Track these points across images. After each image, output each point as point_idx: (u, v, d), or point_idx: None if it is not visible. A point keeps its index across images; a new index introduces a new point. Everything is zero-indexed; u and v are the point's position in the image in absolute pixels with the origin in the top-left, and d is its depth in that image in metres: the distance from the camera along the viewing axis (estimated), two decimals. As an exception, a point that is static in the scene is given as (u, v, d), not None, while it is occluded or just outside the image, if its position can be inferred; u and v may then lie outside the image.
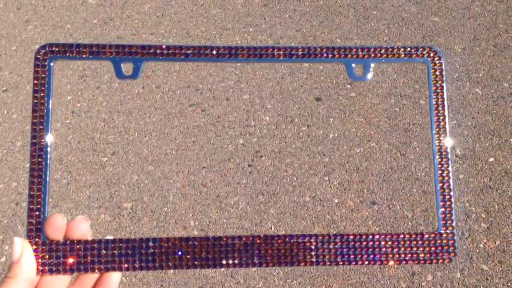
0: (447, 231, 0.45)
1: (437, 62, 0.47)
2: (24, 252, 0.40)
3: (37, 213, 0.42)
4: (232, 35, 2.25)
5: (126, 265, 0.42)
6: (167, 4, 2.44)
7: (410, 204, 1.60)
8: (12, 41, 2.29)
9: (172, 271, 1.46)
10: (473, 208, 1.59)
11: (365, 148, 1.77)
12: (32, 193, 0.42)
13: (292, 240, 0.44)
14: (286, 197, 1.64)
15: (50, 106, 0.42)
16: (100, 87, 2.03)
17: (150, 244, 0.42)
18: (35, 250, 0.41)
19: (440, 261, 0.44)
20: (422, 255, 0.44)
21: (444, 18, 2.29)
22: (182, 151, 1.78)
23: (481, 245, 1.50)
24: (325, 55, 0.45)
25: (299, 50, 0.45)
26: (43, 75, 0.43)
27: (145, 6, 2.43)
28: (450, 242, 0.45)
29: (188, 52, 0.45)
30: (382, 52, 0.46)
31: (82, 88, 2.03)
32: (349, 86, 1.98)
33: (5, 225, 1.60)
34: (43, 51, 0.43)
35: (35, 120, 0.42)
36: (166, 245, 0.43)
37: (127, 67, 0.44)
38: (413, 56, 0.47)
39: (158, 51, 0.45)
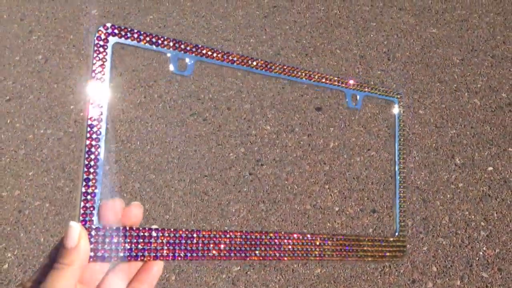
0: (402, 234, 0.56)
1: (401, 102, 0.61)
2: (81, 237, 0.38)
3: (92, 197, 0.40)
4: (233, 46, 2.28)
5: (173, 255, 0.42)
6: (168, 15, 2.47)
7: (410, 212, 1.61)
8: (16, 51, 2.31)
9: (173, 278, 1.47)
10: (473, 216, 1.60)
11: (365, 157, 1.79)
12: (87, 176, 0.40)
13: (305, 238, 0.49)
14: (287, 205, 1.65)
15: (109, 88, 0.41)
16: (103, 96, 2.05)
17: (195, 235, 0.43)
18: (88, 236, 0.39)
19: (395, 259, 0.55)
20: (388, 254, 0.54)
21: (443, 29, 2.32)
22: (184, 159, 1.80)
23: (481, 253, 1.51)
24: (338, 84, 0.56)
25: (316, 75, 0.53)
26: (104, 55, 0.41)
27: (147, 17, 2.46)
28: (402, 244, 0.56)
29: (235, 59, 0.47)
30: (369, 87, 0.58)
31: (85, 97, 2.05)
32: (349, 96, 2.00)
33: (7, 232, 1.61)
34: (105, 31, 0.41)
35: (93, 102, 0.40)
36: (208, 237, 0.44)
37: (180, 63, 0.45)
38: (389, 95, 0.60)
39: (209, 52, 0.46)
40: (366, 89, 0.58)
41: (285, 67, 0.51)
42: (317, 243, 0.49)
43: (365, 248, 0.52)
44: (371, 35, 2.31)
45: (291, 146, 1.84)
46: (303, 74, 0.52)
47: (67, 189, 1.72)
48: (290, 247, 0.47)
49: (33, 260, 1.54)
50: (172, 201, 1.67)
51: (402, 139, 0.60)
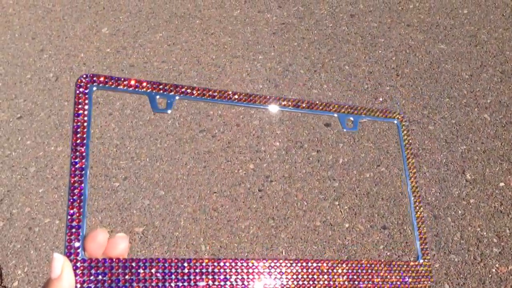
0: (425, 260, 0.53)
1: (404, 123, 0.58)
2: (64, 268, 0.39)
3: (77, 230, 0.42)
4: (241, 63, 2.30)
5: (162, 285, 0.42)
6: (178, 33, 2.49)
7: (421, 228, 1.60)
8: (27, 70, 2.34)
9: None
10: (485, 233, 1.58)
11: (375, 173, 1.78)
12: (71, 210, 0.42)
13: (308, 265, 0.47)
14: (297, 221, 1.65)
15: (90, 129, 0.45)
16: (113, 113, 2.06)
17: (185, 264, 0.43)
18: (74, 267, 0.41)
19: (422, 285, 0.52)
20: (410, 280, 0.51)
21: (451, 45, 2.32)
22: (193, 176, 1.80)
23: (494, 270, 1.49)
24: (322, 108, 0.53)
25: (304, 103, 0.52)
26: (84, 101, 0.45)
27: (157, 35, 2.49)
28: (428, 269, 0.53)
29: (215, 94, 0.49)
30: (365, 110, 0.56)
31: (95, 114, 2.07)
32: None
33: (18, 249, 1.61)
34: (85, 80, 0.46)
35: (75, 141, 0.44)
36: (200, 265, 0.44)
37: (160, 101, 0.48)
38: (387, 116, 0.57)
39: (188, 90, 0.49)
40: (362, 113, 0.56)
41: (267, 97, 0.51)
42: (325, 270, 0.47)
43: (381, 274, 0.50)
44: (380, 51, 2.31)
45: (300, 162, 1.83)
46: (290, 103, 0.51)
47: (77, 206, 1.72)
48: (294, 275, 0.46)
49: (43, 278, 1.54)
50: (181, 218, 1.67)
51: (411, 159, 0.57)
